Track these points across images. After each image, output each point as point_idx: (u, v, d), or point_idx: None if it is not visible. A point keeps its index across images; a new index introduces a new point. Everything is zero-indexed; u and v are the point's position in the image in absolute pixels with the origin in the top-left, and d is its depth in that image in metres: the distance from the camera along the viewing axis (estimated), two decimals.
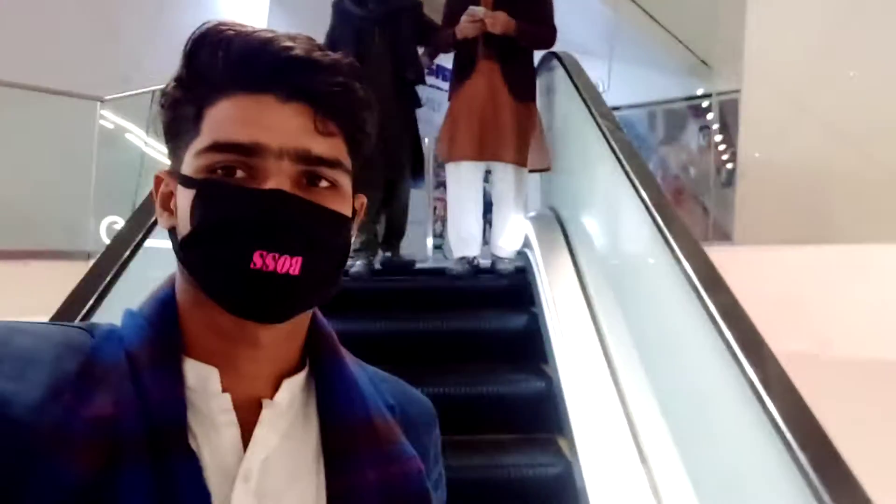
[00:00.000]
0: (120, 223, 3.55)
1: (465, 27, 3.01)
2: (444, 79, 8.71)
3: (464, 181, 3.10)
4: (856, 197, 2.95)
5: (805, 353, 2.05)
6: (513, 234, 3.13)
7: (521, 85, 3.07)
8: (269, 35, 0.50)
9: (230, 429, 0.50)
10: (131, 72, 4.26)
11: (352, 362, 0.59)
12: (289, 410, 0.53)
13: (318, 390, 0.55)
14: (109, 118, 4.46)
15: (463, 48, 3.10)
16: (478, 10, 2.99)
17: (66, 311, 1.62)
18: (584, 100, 2.62)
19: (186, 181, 0.49)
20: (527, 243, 3.19)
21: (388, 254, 3.36)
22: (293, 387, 0.54)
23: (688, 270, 1.44)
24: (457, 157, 3.08)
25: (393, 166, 3.14)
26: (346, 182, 0.52)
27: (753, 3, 3.48)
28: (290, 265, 0.47)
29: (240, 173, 0.48)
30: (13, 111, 4.05)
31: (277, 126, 0.48)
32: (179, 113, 0.51)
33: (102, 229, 4.02)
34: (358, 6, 3.16)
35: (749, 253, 2.88)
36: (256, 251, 0.46)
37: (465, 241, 3.11)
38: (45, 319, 1.62)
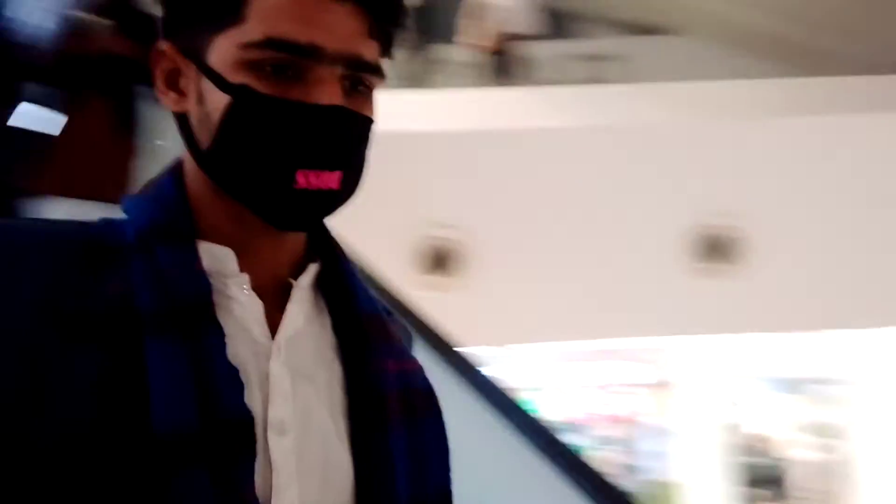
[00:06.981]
0: None
1: None
2: None
3: None
4: None
5: None
6: None
7: None
8: None
9: (255, 305, 0.49)
10: None
11: None
12: (309, 295, 0.53)
13: (331, 283, 0.55)
14: None
15: None
16: None
17: None
18: None
19: (222, 84, 0.46)
20: None
21: None
22: (313, 273, 0.54)
23: None
24: None
25: None
26: (379, 85, 0.51)
27: None
28: (331, 180, 0.47)
29: (290, 73, 0.46)
30: None
31: (334, 27, 0.46)
32: None
33: None
34: None
35: None
36: (299, 170, 0.45)
37: None
38: None
